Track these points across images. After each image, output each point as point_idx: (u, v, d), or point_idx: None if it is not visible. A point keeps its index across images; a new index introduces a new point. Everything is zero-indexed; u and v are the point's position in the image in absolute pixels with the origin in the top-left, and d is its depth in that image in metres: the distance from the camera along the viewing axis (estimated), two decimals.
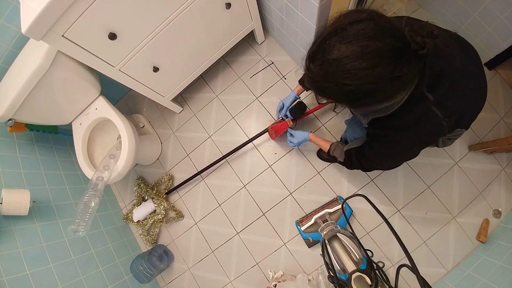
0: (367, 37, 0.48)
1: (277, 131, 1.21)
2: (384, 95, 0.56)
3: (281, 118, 1.22)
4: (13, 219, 1.02)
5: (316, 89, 0.59)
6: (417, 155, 0.76)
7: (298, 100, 1.17)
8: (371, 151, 0.79)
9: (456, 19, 1.19)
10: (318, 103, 1.27)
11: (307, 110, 1.27)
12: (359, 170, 1.17)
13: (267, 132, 1.28)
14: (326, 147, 1.02)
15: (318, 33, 0.56)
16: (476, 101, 0.69)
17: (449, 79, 0.59)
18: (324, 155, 1.28)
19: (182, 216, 1.49)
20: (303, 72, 1.03)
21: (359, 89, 0.52)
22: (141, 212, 1.45)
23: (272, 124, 1.23)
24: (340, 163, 0.95)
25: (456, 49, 0.63)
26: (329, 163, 1.30)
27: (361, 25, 0.50)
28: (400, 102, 0.60)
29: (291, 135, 1.14)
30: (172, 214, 1.49)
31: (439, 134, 0.67)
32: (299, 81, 1.11)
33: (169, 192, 1.49)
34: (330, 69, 0.52)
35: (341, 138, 1.12)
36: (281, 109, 1.18)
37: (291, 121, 1.17)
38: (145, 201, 1.50)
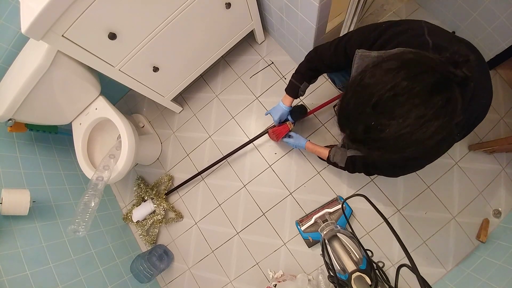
0: (416, 101, 0.43)
1: (278, 135, 1.20)
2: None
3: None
4: (13, 219, 1.02)
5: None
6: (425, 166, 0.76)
7: (300, 103, 1.17)
8: (383, 163, 0.78)
9: (456, 19, 1.19)
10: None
11: (308, 111, 1.27)
12: None
13: (268, 135, 1.27)
14: (325, 154, 1.00)
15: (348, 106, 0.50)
16: (483, 113, 0.67)
17: (474, 112, 0.58)
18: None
19: (182, 217, 1.49)
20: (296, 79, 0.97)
21: (423, 150, 0.48)
22: (140, 212, 1.45)
23: (272, 126, 1.23)
24: (341, 168, 0.94)
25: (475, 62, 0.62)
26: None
27: (401, 88, 0.44)
28: None
29: (290, 136, 1.15)
30: (171, 214, 1.49)
31: (450, 147, 0.66)
32: (286, 90, 1.02)
33: (169, 192, 1.49)
34: (388, 146, 0.47)
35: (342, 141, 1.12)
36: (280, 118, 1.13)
37: (291, 124, 1.17)
38: (144, 201, 1.50)
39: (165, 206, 1.45)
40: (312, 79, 0.94)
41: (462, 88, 0.45)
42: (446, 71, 0.44)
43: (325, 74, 1.33)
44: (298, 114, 1.21)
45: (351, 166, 0.88)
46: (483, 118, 0.69)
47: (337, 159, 0.94)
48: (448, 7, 1.20)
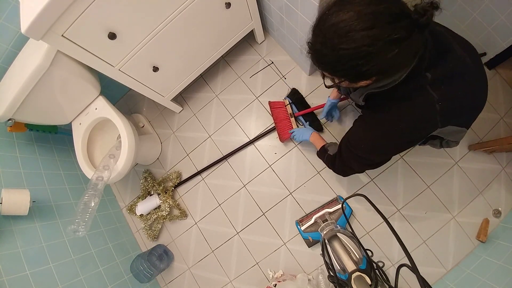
0: (364, 3, 0.50)
1: (282, 133, 1.27)
2: (383, 62, 0.52)
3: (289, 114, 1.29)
4: (13, 219, 1.02)
5: (315, 60, 0.59)
6: (402, 150, 0.74)
7: (293, 88, 1.22)
8: (355, 129, 0.80)
9: (456, 19, 1.19)
10: (326, 86, 1.31)
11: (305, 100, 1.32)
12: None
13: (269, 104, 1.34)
14: (322, 143, 1.05)
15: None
16: (475, 97, 0.67)
17: (449, 66, 0.60)
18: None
19: (186, 216, 1.48)
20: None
21: (356, 53, 0.51)
22: (145, 206, 1.46)
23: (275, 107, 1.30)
24: (328, 157, 0.97)
25: (459, 46, 0.63)
26: None
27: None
28: (398, 80, 0.60)
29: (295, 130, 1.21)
30: (176, 212, 1.49)
31: (430, 119, 0.63)
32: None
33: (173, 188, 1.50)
34: (327, 35, 0.53)
35: None
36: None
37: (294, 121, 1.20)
38: (150, 195, 1.51)
39: (170, 203, 1.45)
40: None
41: (421, 28, 0.50)
42: (407, 5, 0.51)
43: None
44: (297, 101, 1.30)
45: (339, 153, 0.91)
46: (479, 105, 0.68)
47: (330, 149, 0.99)
48: (448, 7, 1.20)
